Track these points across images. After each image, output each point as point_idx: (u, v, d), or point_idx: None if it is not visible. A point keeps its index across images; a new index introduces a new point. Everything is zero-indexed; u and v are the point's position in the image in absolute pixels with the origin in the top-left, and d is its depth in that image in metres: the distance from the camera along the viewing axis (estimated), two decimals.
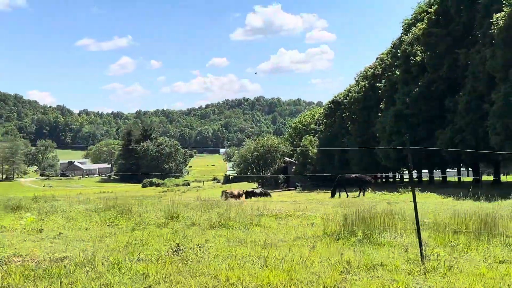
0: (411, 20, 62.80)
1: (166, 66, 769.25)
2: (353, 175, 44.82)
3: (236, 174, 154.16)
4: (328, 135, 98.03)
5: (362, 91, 76.68)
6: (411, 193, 31.80)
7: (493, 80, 39.48)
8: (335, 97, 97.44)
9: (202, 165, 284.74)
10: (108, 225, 12.10)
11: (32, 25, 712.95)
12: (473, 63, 43.31)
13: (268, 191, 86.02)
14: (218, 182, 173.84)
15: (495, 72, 38.09)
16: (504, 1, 37.13)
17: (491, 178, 60.91)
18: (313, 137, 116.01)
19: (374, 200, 31.89)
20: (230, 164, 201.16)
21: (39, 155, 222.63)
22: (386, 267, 7.44)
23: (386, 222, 11.39)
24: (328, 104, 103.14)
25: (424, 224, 12.83)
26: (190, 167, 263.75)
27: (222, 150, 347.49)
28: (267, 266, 7.32)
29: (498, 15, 37.43)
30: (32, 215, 12.29)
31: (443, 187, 49.31)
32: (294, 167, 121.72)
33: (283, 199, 45.71)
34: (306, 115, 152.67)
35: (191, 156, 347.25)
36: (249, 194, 49.39)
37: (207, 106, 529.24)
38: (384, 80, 66.36)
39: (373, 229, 10.65)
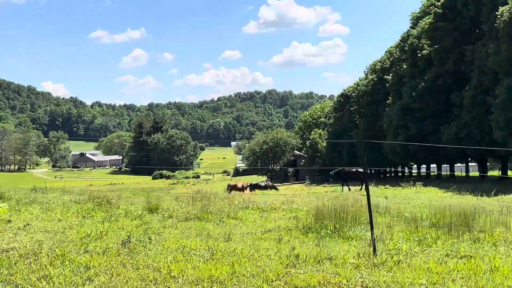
0: (419, 13, 62.27)
1: (179, 59, 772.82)
2: (354, 169, 44.61)
3: (245, 167, 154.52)
4: (337, 129, 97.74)
5: (370, 85, 76.27)
6: (412, 188, 31.66)
7: (499, 74, 39.06)
8: (345, 90, 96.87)
9: (213, 157, 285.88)
10: (83, 217, 12.17)
11: (46, 17, 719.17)
12: (479, 57, 42.86)
13: (276, 184, 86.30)
14: (228, 175, 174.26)
15: (499, 67, 37.67)
16: None
17: (498, 173, 60.32)
18: (323, 131, 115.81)
19: (372, 194, 31.74)
20: (240, 157, 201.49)
21: (51, 147, 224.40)
22: (334, 260, 7.40)
23: (362, 216, 11.33)
24: (338, 98, 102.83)
25: (403, 218, 12.75)
26: (201, 159, 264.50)
27: (233, 143, 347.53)
28: (213, 259, 7.31)
29: (503, 8, 36.99)
30: (5, 206, 12.36)
31: (448, 182, 48.95)
32: (303, 160, 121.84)
33: (287, 192, 45.71)
34: (317, 108, 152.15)
35: (202, 149, 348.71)
36: (253, 187, 49.61)
37: (219, 99, 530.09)
38: (391, 74, 65.90)
39: (345, 223, 10.60)
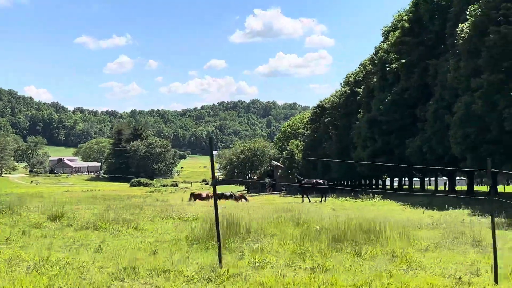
0: (390, 27, 62.93)
1: (164, 66, 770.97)
2: (314, 180, 44.93)
3: (222, 177, 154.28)
4: (312, 140, 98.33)
5: (344, 97, 77.00)
6: (370, 201, 31.83)
7: (458, 90, 39.61)
8: (321, 102, 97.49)
9: (194, 166, 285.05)
10: None
11: (32, 21, 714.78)
12: (441, 72, 43.42)
13: (252, 194, 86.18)
14: (206, 183, 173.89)
15: (458, 83, 38.22)
16: (467, 12, 37.21)
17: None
18: (300, 142, 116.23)
19: (322, 206, 32.10)
20: (217, 166, 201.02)
21: (29, 152, 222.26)
22: (171, 273, 7.49)
23: (259, 228, 11.42)
24: (314, 109, 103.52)
25: (313, 230, 12.87)
26: (182, 168, 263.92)
27: (215, 152, 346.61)
28: (36, 271, 7.32)
29: (463, 24, 37.52)
30: None
31: (413, 196, 49.45)
32: (280, 170, 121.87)
33: (256, 203, 45.66)
34: (296, 119, 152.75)
35: (184, 157, 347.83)
36: (219, 197, 49.46)
37: (202, 107, 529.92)
38: (362, 87, 66.56)
39: (235, 234, 10.66)
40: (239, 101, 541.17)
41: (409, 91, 51.50)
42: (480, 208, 27.25)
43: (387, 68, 55.93)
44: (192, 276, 7.38)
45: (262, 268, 8.16)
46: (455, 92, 40.11)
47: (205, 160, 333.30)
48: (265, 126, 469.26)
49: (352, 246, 10.43)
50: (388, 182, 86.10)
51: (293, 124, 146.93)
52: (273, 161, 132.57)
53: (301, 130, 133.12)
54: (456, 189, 60.78)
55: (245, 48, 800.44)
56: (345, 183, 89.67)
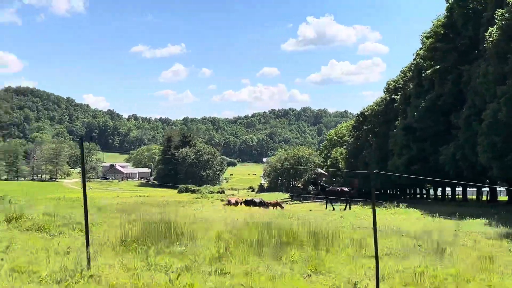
0: (428, 33, 61.78)
1: (217, 75, 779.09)
2: (338, 188, 44.64)
3: (265, 184, 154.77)
4: (354, 148, 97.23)
5: (383, 104, 75.99)
6: (395, 209, 31.42)
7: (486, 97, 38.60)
8: (364, 109, 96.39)
9: (243, 173, 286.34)
10: None
11: (90, 30, 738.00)
12: (473, 78, 42.36)
13: (294, 202, 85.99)
14: (253, 191, 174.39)
15: (486, 89, 37.22)
16: (495, 16, 36.23)
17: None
18: (344, 150, 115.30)
19: (331, 213, 31.86)
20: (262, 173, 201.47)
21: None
22: (36, 273, 7.75)
23: (206, 232, 11.58)
24: (357, 117, 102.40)
25: (269, 234, 12.94)
26: (231, 175, 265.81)
27: (265, 160, 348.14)
28: None
29: (492, 29, 36.59)
30: None
31: (443, 205, 48.39)
32: (324, 178, 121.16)
33: (290, 210, 45.70)
34: (342, 126, 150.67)
35: (234, 164, 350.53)
36: (248, 203, 49.74)
37: (253, 115, 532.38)
38: (400, 93, 65.56)
39: (174, 239, 10.73)
40: (290, 108, 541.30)
41: (443, 98, 50.47)
42: (498, 219, 26.50)
43: (423, 75, 54.97)
44: (45, 276, 7.61)
45: (160, 272, 8.27)
46: (484, 99, 39.07)
47: (254, 168, 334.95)
48: (315, 134, 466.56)
49: (285, 251, 10.42)
50: (432, 192, 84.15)
51: (339, 132, 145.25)
52: (318, 168, 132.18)
53: (346, 138, 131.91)
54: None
55: (297, 56, 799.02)
56: (386, 192, 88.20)
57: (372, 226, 8.41)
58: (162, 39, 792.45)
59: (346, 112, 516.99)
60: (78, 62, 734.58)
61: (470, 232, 20.70)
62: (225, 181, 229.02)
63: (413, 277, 8.67)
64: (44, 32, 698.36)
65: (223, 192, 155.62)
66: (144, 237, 10.41)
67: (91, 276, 7.78)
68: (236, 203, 48.38)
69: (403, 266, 9.99)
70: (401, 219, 27.66)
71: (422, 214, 32.53)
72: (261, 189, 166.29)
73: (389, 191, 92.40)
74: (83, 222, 12.44)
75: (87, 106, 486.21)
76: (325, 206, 45.49)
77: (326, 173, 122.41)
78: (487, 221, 26.67)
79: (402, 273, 9.01)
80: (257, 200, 52.14)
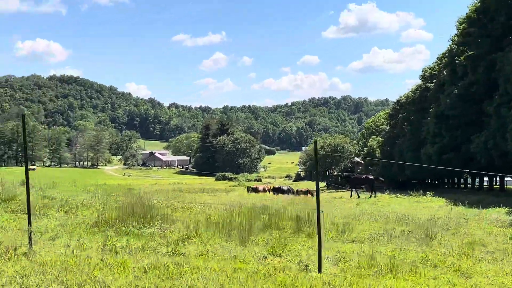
0: (464, 18, 60.35)
1: (257, 63, 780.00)
2: (364, 175, 44.39)
3: (300, 172, 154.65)
4: (390, 136, 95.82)
5: (418, 92, 74.70)
6: (421, 197, 31.26)
7: None
8: (400, 97, 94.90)
9: (282, 162, 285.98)
10: None
11: (132, 19, 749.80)
12: (506, 64, 41.24)
13: (330, 191, 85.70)
14: (290, 179, 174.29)
15: None
16: None
17: None
18: (381, 138, 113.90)
19: (351, 201, 31.77)
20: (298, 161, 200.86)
21: (124, 145, 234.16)
22: None
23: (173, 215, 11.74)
24: (393, 105, 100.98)
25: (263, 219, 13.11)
26: (269, 163, 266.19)
27: (304, 148, 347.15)
28: None
29: None
30: None
31: (477, 194, 47.50)
32: (360, 167, 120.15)
33: (324, 198, 45.75)
34: (380, 115, 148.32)
35: (273, 152, 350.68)
36: (276, 190, 49.89)
37: (292, 103, 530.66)
38: (434, 80, 64.33)
39: (143, 221, 10.83)
40: (330, 97, 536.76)
41: (476, 85, 49.30)
42: None
43: (457, 61, 53.77)
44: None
45: (111, 252, 8.46)
46: None
47: (293, 156, 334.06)
48: (355, 123, 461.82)
49: (254, 234, 10.53)
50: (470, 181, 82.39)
51: (377, 120, 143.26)
52: (355, 157, 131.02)
53: (384, 126, 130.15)
54: None
55: (338, 43, 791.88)
56: (424, 181, 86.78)
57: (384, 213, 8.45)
58: (203, 27, 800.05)
59: (387, 100, 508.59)
60: (120, 51, 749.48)
61: (483, 219, 20.40)
62: (263, 169, 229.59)
63: (370, 260, 8.71)
64: (87, 22, 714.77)
65: (260, 180, 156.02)
66: (120, 219, 10.64)
67: (24, 253, 8.01)
68: (264, 191, 48.59)
69: (376, 250, 10.03)
70: (420, 207, 27.46)
71: (445, 203, 32.08)
72: (298, 177, 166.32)
73: (428, 181, 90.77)
74: (79, 205, 12.95)
75: (129, 94, 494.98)
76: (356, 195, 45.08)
77: (362, 162, 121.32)
78: (508, 209, 26.19)
79: (363, 257, 9.06)
80: (285, 188, 52.10)
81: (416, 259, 9.45)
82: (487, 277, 8.43)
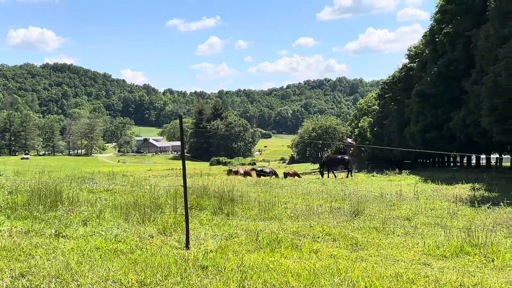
0: None
1: (253, 46, 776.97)
2: (339, 156, 44.66)
3: (292, 154, 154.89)
4: (379, 117, 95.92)
5: (404, 71, 74.61)
6: (395, 176, 31.44)
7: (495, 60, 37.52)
8: (388, 77, 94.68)
9: (278, 145, 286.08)
10: None
11: (125, 6, 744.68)
12: (479, 41, 41.19)
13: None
14: (284, 162, 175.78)
15: (488, 52, 36.26)
16: None
17: None
18: (371, 119, 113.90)
19: (320, 181, 31.99)
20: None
21: (118, 132, 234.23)
22: None
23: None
24: (382, 84, 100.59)
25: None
26: (265, 146, 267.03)
27: (299, 131, 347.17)
28: None
29: None
30: None
31: (458, 172, 47.72)
32: (352, 148, 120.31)
33: (305, 181, 45.90)
34: (372, 95, 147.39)
35: (269, 136, 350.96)
36: (258, 173, 49.83)
37: (288, 86, 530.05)
38: (417, 60, 64.29)
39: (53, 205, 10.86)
40: (325, 79, 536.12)
41: (456, 63, 49.29)
42: (493, 185, 26.13)
43: (437, 39, 53.70)
44: None
45: None
46: (488, 62, 38.07)
47: (289, 139, 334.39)
48: (351, 104, 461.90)
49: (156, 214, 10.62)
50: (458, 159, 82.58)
51: (369, 101, 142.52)
52: (348, 139, 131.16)
53: (375, 107, 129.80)
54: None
55: (334, 25, 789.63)
56: (416, 160, 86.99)
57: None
58: (196, 11, 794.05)
59: (382, 80, 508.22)
60: (114, 37, 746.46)
61: (441, 195, 20.67)
62: (258, 153, 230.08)
63: (255, 236, 8.82)
64: (81, 9, 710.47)
65: (254, 164, 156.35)
66: (26, 203, 10.68)
67: None
68: (245, 174, 48.42)
69: (283, 227, 10.17)
70: (388, 185, 27.63)
71: (416, 181, 32.33)
72: (292, 160, 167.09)
73: (421, 160, 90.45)
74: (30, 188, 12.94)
75: (123, 81, 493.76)
76: (346, 175, 44.99)
77: (354, 143, 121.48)
78: (477, 186, 26.40)
79: (250, 233, 9.15)
80: (267, 170, 52.06)
81: (320, 234, 9.57)
82: (377, 249, 8.57)
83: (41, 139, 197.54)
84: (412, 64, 67.33)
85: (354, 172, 75.26)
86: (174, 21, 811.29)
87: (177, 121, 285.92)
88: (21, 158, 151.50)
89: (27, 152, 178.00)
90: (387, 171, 39.77)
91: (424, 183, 29.88)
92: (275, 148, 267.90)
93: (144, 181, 21.17)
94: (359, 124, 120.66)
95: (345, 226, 10.56)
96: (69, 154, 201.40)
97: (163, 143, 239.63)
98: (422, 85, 55.83)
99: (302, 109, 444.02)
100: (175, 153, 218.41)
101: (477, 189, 24.26)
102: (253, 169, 52.02)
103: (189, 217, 8.65)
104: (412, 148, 64.49)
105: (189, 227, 8.22)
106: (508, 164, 65.94)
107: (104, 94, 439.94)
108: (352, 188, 23.48)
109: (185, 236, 7.99)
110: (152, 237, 8.57)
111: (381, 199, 16.78)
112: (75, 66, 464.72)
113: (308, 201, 15.33)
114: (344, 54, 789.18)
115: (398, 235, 10.05)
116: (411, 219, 12.28)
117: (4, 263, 6.75)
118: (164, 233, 8.98)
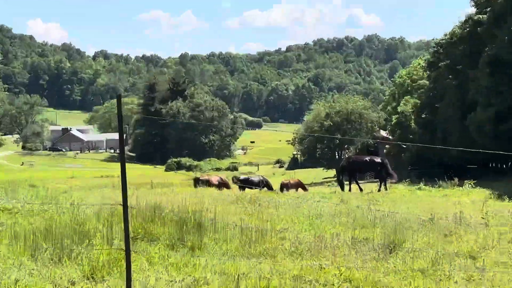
0: None
1: None
2: (367, 158, 44.89)
3: (299, 156, 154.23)
4: (430, 97, 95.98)
5: (468, 26, 75.10)
6: (454, 189, 32.27)
7: None
8: (445, 35, 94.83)
9: (272, 140, 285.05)
10: None
11: None
12: None
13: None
14: (281, 166, 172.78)
15: None
16: None
17: None
18: (418, 100, 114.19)
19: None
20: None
21: (22, 118, 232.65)
22: None
23: None
24: (434, 47, 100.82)
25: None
26: (252, 142, 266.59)
27: (305, 118, 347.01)
28: None
29: None
30: None
31: None
32: (387, 146, 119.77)
33: (314, 196, 45.85)
34: (419, 64, 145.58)
35: (258, 126, 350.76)
36: (242, 185, 48.60)
37: (288, 49, 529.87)
38: (489, 9, 64.74)
39: None
40: (346, 37, 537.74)
41: None
42: None
43: None
44: None
45: None
46: None
47: (290, 131, 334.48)
48: (387, 77, 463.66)
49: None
50: None
51: (413, 72, 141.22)
52: (382, 131, 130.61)
53: (423, 82, 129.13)
54: None
55: None
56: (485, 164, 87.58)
57: None
58: None
59: (434, 41, 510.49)
60: None
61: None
62: (241, 151, 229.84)
63: (235, 283, 8.86)
64: None
65: (235, 168, 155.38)
66: None
67: None
68: (221, 185, 47.86)
69: (282, 267, 10.20)
70: (442, 205, 27.86)
71: (486, 197, 32.71)
72: (294, 163, 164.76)
73: (493, 164, 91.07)
74: None
75: (31, 38, 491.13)
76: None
77: (391, 137, 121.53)
78: None
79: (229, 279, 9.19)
80: (255, 179, 51.61)
81: (336, 280, 9.63)
82: None
83: None
84: (481, 16, 67.60)
85: (391, 182, 75.74)
86: None
87: (115, 101, 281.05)
88: None
89: None
90: (440, 181, 40.03)
91: (497, 201, 30.24)
92: (267, 144, 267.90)
93: (63, 195, 21.17)
94: (399, 108, 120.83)
95: (375, 267, 10.65)
96: None
97: (93, 135, 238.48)
98: (496, 48, 56.28)
99: (310, 84, 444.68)
100: (111, 151, 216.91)
101: None
102: (234, 177, 52.22)
103: (132, 252, 8.65)
104: (479, 146, 65.02)
105: (132, 269, 8.23)
106: None
107: (1, 58, 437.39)
108: (387, 207, 23.65)
109: (124, 283, 7.99)
110: (74, 284, 8.57)
111: (431, 226, 16.91)
112: None
113: (318, 228, 15.45)
114: (376, 2, 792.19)
115: (456, 282, 10.14)
116: (476, 257, 12.41)
117: None
118: (93, 277, 9.00)
